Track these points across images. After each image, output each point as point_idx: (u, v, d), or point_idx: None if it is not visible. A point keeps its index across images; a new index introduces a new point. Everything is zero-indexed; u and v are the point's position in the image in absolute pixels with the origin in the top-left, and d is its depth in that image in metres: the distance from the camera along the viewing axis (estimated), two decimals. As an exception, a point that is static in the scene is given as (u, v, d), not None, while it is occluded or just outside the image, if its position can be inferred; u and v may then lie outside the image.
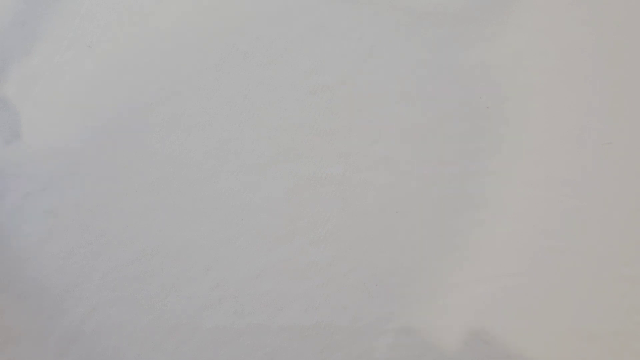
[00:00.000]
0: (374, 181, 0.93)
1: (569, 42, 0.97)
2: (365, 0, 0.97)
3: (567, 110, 0.95)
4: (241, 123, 0.94)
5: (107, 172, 0.92)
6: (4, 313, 0.88)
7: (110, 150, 0.92)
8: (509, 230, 0.92)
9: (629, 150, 0.94)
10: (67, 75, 0.94)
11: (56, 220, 0.91)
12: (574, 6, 0.98)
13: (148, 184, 0.92)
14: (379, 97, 0.95)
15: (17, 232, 0.90)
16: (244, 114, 0.94)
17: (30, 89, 0.93)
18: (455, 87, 0.96)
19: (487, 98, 0.95)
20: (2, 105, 0.93)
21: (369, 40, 0.96)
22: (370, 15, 0.97)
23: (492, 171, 0.93)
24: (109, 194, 0.91)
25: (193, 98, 0.94)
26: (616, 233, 0.92)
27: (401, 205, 0.93)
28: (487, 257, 0.92)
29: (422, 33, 0.97)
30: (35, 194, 0.91)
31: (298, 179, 0.93)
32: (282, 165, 0.93)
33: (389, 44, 0.96)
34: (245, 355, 0.89)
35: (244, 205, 0.92)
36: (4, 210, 0.90)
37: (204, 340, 0.89)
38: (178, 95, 0.94)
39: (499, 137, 0.94)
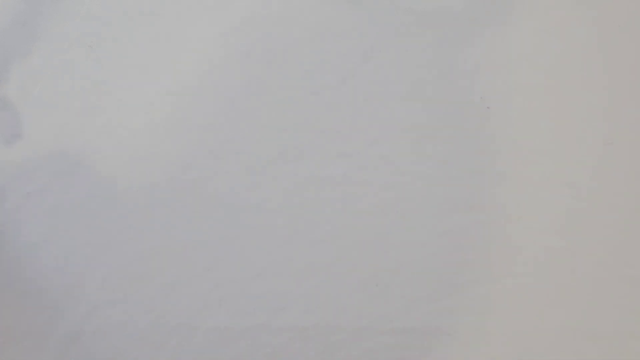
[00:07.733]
0: (374, 181, 0.93)
1: (569, 42, 0.97)
2: (366, 0, 0.97)
3: (567, 110, 0.95)
4: (241, 123, 0.94)
5: (107, 172, 0.92)
6: (4, 313, 0.88)
7: (110, 150, 0.92)
8: (509, 231, 0.92)
9: (629, 150, 0.94)
10: (67, 75, 0.94)
11: (56, 220, 0.91)
12: (575, 6, 0.98)
13: (148, 184, 0.92)
14: (379, 97, 0.95)
15: (17, 232, 0.90)
16: (244, 114, 0.94)
17: (30, 89, 0.93)
18: (456, 87, 0.96)
19: (487, 98, 0.95)
20: (2, 105, 0.93)
21: (369, 40, 0.96)
22: (370, 15, 0.97)
23: (492, 171, 0.93)
24: (109, 194, 0.91)
25: (193, 98, 0.94)
26: (616, 233, 0.92)
27: (401, 205, 0.92)
28: (487, 257, 0.92)
29: (422, 33, 0.97)
30: (35, 194, 0.91)
31: (298, 179, 0.93)
32: (282, 165, 0.93)
33: (389, 44, 0.96)
34: (245, 355, 0.89)
35: (244, 205, 0.92)
36: (4, 210, 0.90)
37: (204, 340, 0.89)
38: (178, 95, 0.94)
39: (499, 137, 0.94)
